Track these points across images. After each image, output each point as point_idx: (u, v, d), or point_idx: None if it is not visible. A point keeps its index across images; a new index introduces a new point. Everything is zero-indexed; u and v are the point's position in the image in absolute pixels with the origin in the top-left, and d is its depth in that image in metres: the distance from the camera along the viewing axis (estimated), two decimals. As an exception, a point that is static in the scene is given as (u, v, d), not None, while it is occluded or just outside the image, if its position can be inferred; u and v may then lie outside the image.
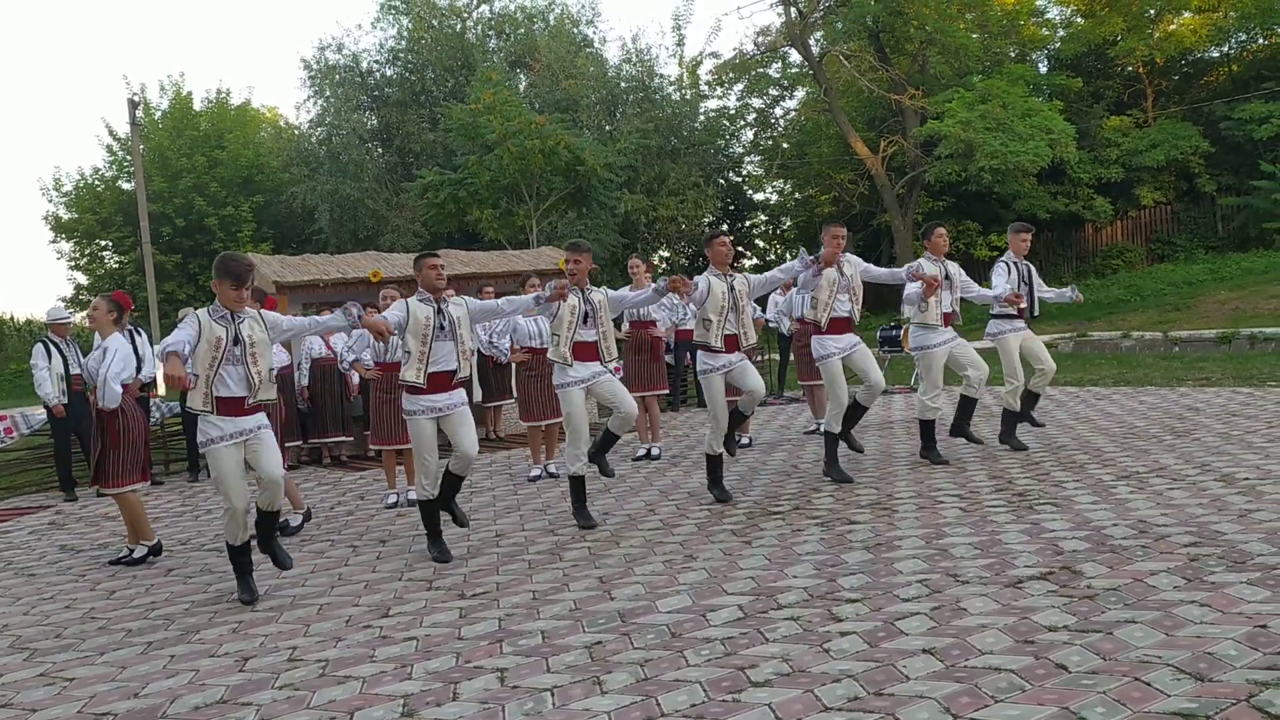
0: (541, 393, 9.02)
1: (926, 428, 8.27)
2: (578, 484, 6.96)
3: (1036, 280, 8.67)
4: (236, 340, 5.49)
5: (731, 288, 7.22)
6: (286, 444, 10.55)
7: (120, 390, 6.87)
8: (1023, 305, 8.31)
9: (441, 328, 6.16)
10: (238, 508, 5.54)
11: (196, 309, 5.73)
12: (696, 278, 7.27)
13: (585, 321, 6.90)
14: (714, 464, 7.49)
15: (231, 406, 5.50)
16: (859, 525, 6.18)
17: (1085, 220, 27.38)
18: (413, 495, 8.22)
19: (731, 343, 7.23)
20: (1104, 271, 27.11)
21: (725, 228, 33.70)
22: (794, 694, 3.62)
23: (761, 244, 35.34)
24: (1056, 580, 4.70)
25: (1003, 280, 8.42)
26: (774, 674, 3.83)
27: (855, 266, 7.87)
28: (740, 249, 34.33)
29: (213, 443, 5.48)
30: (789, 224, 34.70)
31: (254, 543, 5.87)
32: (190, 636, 5.04)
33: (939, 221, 8.65)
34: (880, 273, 8.20)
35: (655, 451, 9.74)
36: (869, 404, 8.08)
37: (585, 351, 6.90)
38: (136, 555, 6.92)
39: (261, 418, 5.65)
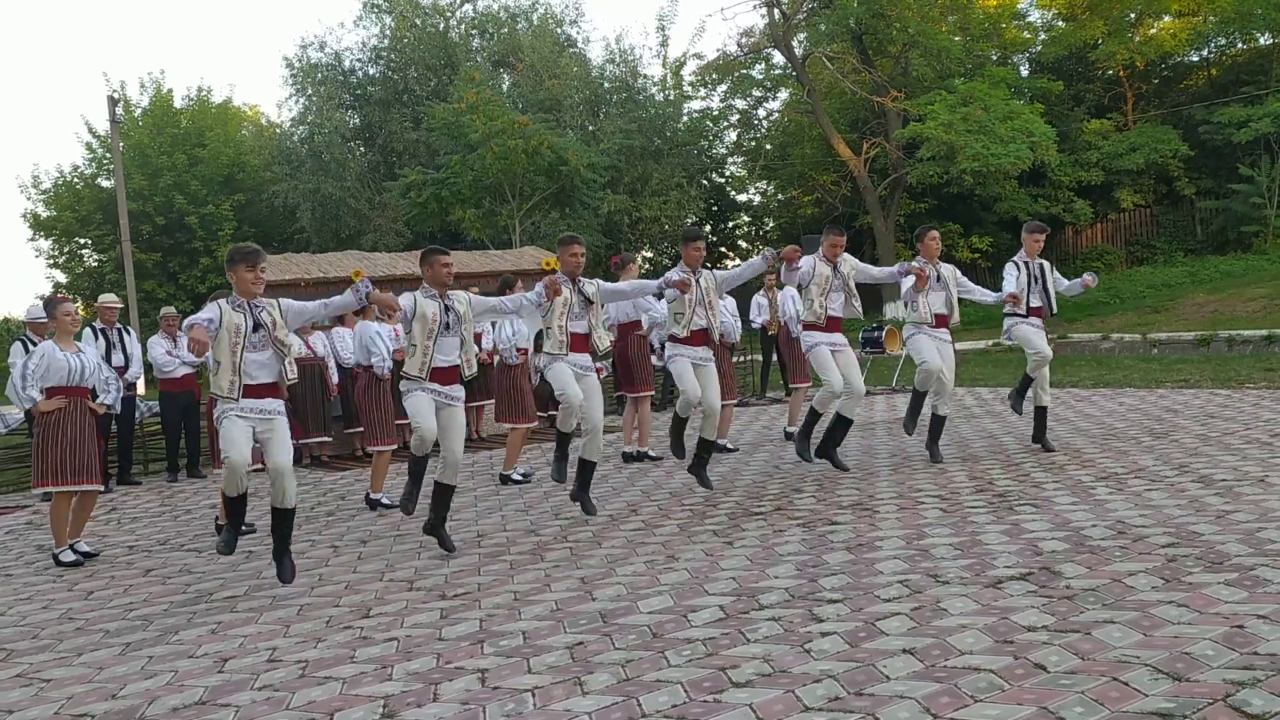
0: (521, 395, 9.00)
1: (917, 399, 8.35)
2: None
3: (1053, 277, 8.66)
4: (256, 327, 5.61)
5: (697, 282, 7.46)
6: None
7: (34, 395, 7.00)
8: (1026, 307, 8.37)
9: (447, 325, 6.30)
10: (236, 461, 5.50)
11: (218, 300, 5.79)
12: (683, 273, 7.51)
13: (577, 313, 7.06)
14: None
15: (256, 392, 5.62)
16: (840, 526, 6.20)
17: (1065, 223, 27.56)
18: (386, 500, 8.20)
19: (700, 337, 7.49)
20: (1083, 274, 27.28)
21: (709, 229, 33.76)
22: (775, 694, 3.62)
23: (745, 245, 35.41)
24: (1036, 581, 4.73)
25: (1012, 281, 8.45)
26: (755, 674, 3.83)
27: (851, 266, 8.02)
28: (724, 250, 34.40)
29: (225, 415, 5.56)
30: (772, 225, 34.77)
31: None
32: (169, 637, 5.00)
33: (932, 224, 8.71)
34: (877, 273, 8.36)
35: (652, 453, 9.71)
36: (851, 414, 8.09)
37: (577, 344, 7.05)
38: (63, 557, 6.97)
39: (280, 404, 5.75)
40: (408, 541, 6.82)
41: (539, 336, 7.05)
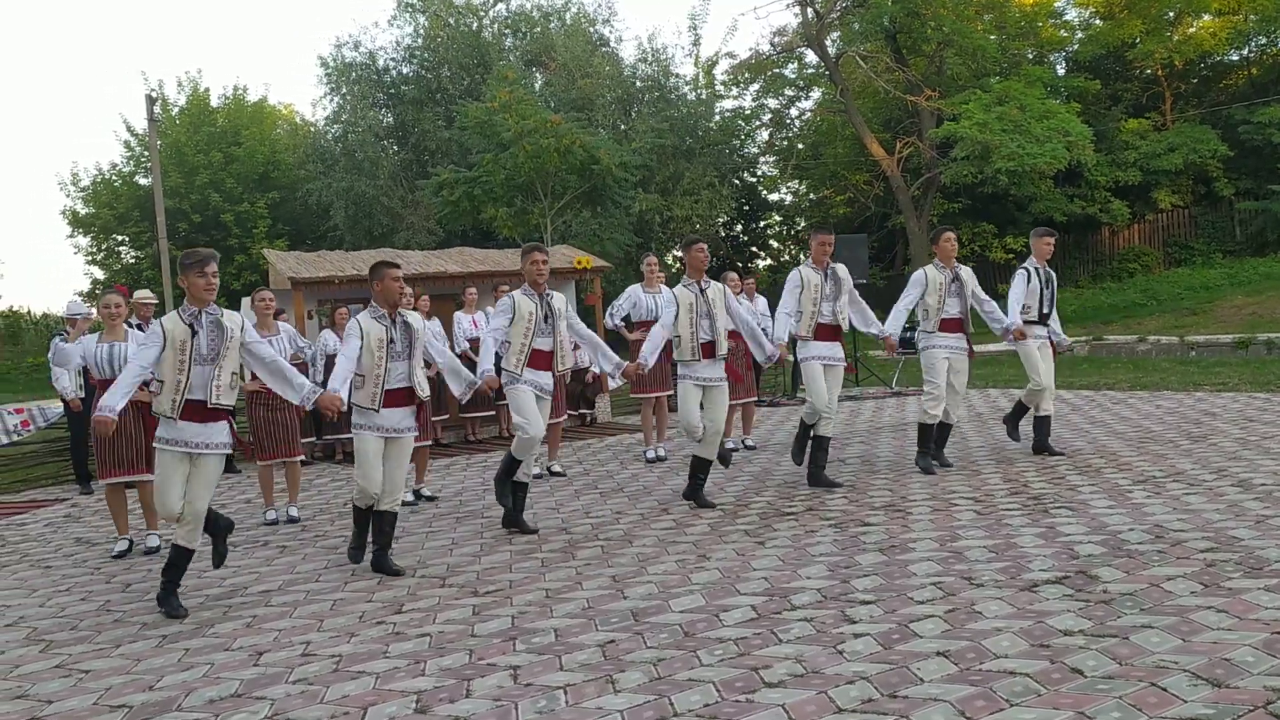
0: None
1: (924, 431, 8.06)
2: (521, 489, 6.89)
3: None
4: (210, 333, 5.35)
5: (702, 292, 7.21)
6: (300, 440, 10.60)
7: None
8: (1037, 313, 8.23)
9: (393, 341, 5.96)
10: (172, 510, 5.34)
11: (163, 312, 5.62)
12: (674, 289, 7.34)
13: (544, 324, 6.73)
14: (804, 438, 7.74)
15: (193, 411, 5.34)
16: (873, 527, 6.17)
17: (1102, 223, 27.25)
18: (425, 491, 8.40)
19: (708, 350, 7.21)
20: (1120, 275, 26.99)
21: (740, 228, 33.71)
22: (807, 695, 3.61)
23: (775, 244, 35.31)
24: (1072, 584, 4.68)
25: (1022, 288, 8.25)
26: (787, 675, 3.82)
27: (844, 277, 7.72)
28: (754, 249, 34.32)
29: (162, 445, 5.34)
30: (803, 224, 34.64)
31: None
32: (204, 630, 5.06)
33: (948, 226, 8.54)
34: (857, 319, 7.91)
35: (663, 453, 9.70)
36: (818, 425, 7.67)
37: (539, 360, 6.73)
38: (117, 549, 7.10)
39: (218, 432, 5.45)
40: (439, 538, 6.85)
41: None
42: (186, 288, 5.41)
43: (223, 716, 3.87)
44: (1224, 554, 4.98)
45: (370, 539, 6.13)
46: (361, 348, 5.85)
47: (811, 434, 7.76)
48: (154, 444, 5.48)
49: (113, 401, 5.24)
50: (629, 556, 5.92)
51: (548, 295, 6.79)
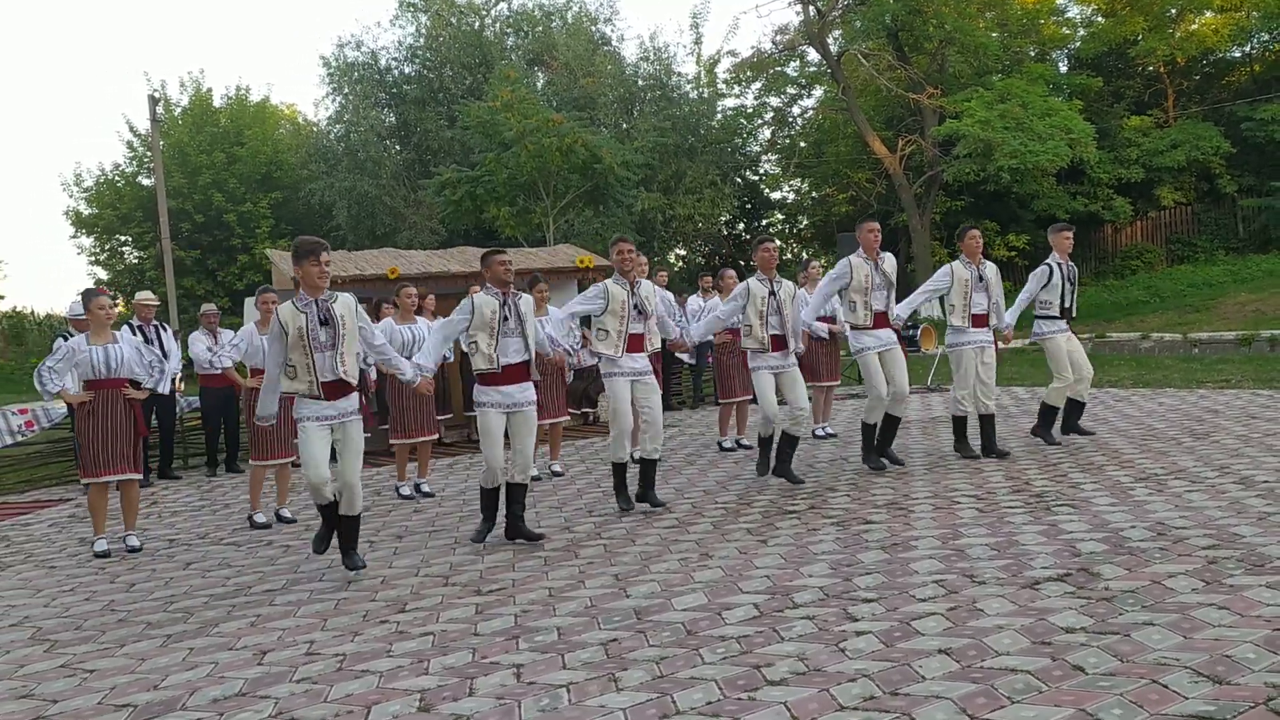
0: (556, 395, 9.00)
1: (957, 424, 8.37)
2: (619, 470, 7.30)
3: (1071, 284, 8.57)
4: (325, 321, 5.63)
5: (774, 289, 7.58)
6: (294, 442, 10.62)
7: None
8: (1060, 309, 8.36)
9: (506, 318, 6.36)
10: (316, 481, 5.68)
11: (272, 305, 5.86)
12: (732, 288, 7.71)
13: (635, 313, 7.08)
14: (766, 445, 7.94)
15: (331, 389, 5.67)
16: (875, 525, 6.17)
17: (1104, 220, 27.22)
18: (425, 487, 8.57)
19: (777, 342, 7.61)
20: (1123, 272, 26.97)
21: (741, 227, 33.71)
22: (809, 693, 3.62)
23: (778, 243, 35.26)
24: (1074, 582, 4.69)
25: (1038, 285, 8.39)
26: (789, 673, 3.83)
27: (893, 266, 8.03)
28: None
29: (304, 421, 5.65)
30: (806, 223, 34.65)
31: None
32: (209, 629, 5.07)
33: (973, 223, 8.62)
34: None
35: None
36: (897, 412, 8.07)
37: (634, 344, 7.11)
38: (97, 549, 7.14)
39: (352, 401, 5.77)
40: (443, 537, 6.87)
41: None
42: (301, 277, 5.68)
43: (227, 715, 3.88)
44: (1226, 551, 4.99)
45: (508, 508, 6.53)
46: (470, 324, 6.29)
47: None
48: (300, 422, 5.69)
49: (270, 409, 5.77)
50: (632, 555, 5.93)
51: (638, 284, 7.13)
